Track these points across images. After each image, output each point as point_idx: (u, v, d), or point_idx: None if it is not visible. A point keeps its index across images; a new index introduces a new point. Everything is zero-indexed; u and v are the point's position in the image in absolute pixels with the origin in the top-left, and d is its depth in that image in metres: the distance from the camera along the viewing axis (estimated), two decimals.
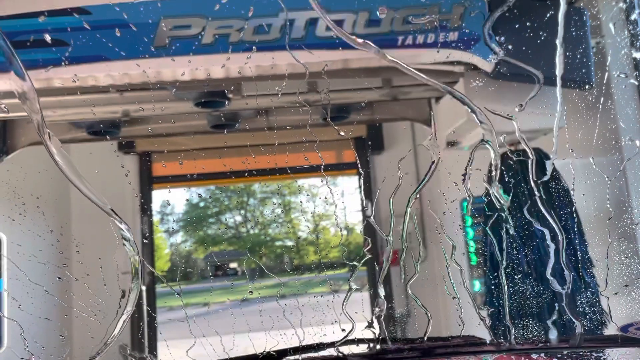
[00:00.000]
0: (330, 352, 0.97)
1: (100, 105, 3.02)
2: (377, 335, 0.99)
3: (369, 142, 4.87)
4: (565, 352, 0.95)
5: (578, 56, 2.54)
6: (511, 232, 2.51)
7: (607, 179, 2.20)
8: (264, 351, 0.90)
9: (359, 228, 4.92)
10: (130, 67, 2.53)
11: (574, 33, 2.57)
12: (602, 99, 2.52)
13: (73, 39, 2.42)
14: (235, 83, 2.88)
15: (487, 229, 2.89)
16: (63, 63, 2.42)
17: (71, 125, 3.24)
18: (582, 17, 2.64)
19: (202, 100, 2.95)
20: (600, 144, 2.50)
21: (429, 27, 2.55)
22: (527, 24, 2.44)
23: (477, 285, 3.81)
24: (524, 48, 2.36)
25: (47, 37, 2.37)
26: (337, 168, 5.08)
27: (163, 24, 2.46)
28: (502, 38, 2.26)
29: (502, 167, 3.00)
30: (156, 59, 2.52)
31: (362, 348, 1.06)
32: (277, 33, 2.54)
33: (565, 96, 2.55)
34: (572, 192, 2.64)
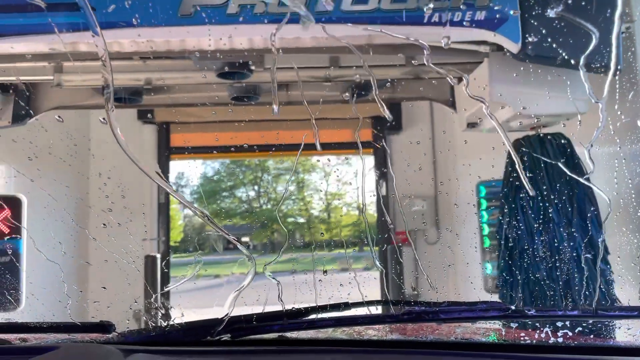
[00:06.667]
0: (357, 311, 0.99)
1: (123, 72, 3.04)
2: (402, 298, 1.00)
3: (393, 121, 4.84)
4: (590, 322, 0.97)
5: (607, 41, 2.50)
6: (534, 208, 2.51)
7: None
8: (293, 307, 0.93)
9: (372, 208, 4.93)
10: (155, 35, 2.54)
11: (604, 18, 2.53)
12: None
13: (99, 4, 2.43)
14: (258, 55, 2.87)
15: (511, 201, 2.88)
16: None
17: (94, 91, 3.27)
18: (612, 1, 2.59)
19: (225, 71, 2.95)
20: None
21: (456, 5, 2.52)
22: (558, 8, 2.40)
23: (489, 268, 3.83)
24: (554, 30, 2.34)
25: None
26: (354, 147, 5.07)
27: None
28: (535, 21, 2.23)
29: (524, 150, 2.98)
30: (181, 27, 2.52)
31: (388, 309, 1.08)
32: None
33: (593, 80, 2.51)
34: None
